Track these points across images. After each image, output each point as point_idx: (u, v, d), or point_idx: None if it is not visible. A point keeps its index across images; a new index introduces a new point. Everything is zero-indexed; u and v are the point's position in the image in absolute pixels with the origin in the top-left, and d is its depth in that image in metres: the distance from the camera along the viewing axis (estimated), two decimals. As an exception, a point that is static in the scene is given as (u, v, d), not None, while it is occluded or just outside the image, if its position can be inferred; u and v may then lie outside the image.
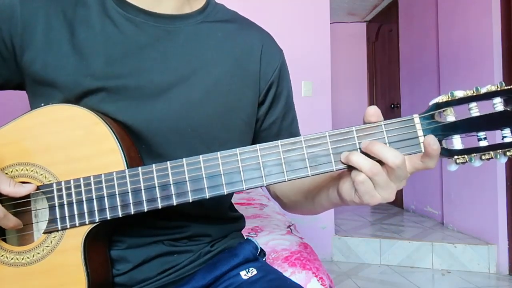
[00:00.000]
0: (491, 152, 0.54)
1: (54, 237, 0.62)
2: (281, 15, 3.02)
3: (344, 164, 0.57)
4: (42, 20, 0.65)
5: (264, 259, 0.84)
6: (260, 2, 2.98)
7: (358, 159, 0.55)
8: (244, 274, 0.74)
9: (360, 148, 0.57)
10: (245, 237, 0.86)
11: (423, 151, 0.56)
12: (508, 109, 0.53)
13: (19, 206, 0.63)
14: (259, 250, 0.81)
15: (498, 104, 0.53)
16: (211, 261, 0.76)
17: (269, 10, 2.99)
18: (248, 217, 1.58)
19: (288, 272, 1.00)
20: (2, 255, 0.62)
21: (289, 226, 1.47)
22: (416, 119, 0.56)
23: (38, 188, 0.62)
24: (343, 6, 4.76)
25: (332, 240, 3.16)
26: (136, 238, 0.69)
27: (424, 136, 0.56)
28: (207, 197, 0.59)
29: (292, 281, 0.76)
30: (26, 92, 0.71)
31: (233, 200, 0.88)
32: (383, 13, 4.80)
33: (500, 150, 0.54)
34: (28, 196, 0.62)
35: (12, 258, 0.62)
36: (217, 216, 0.78)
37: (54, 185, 0.62)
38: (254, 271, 0.74)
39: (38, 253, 0.62)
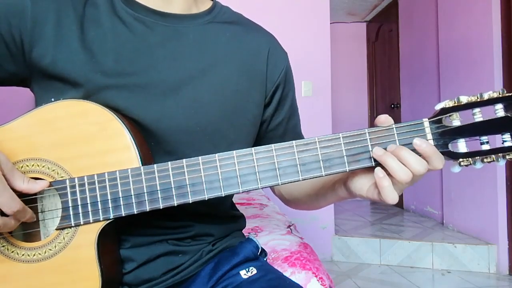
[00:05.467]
0: (493, 155, 0.56)
1: (67, 233, 0.61)
2: (281, 15, 3.02)
3: (376, 161, 0.59)
4: (52, 17, 0.66)
5: (265, 259, 0.84)
6: (260, 2, 2.98)
7: (393, 164, 0.57)
8: (244, 274, 0.74)
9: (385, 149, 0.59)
10: (246, 237, 0.86)
11: None
12: (509, 115, 0.55)
13: (26, 202, 0.61)
14: (260, 250, 0.81)
15: (499, 110, 0.56)
16: (212, 260, 0.76)
17: (269, 10, 2.99)
18: (248, 217, 1.57)
19: (288, 272, 1.00)
20: (13, 251, 0.61)
21: (289, 226, 1.47)
22: (426, 123, 0.58)
23: (50, 184, 0.61)
24: (343, 6, 4.77)
25: (332, 240, 3.17)
26: (140, 237, 0.69)
27: (433, 139, 0.58)
28: (223, 195, 0.60)
29: (291, 280, 0.76)
30: (30, 89, 0.71)
31: (233, 200, 0.88)
32: (383, 13, 4.80)
33: (501, 154, 0.56)
34: (36, 193, 0.61)
35: (23, 255, 0.61)
36: (220, 215, 0.78)
37: (67, 181, 0.61)
38: (254, 271, 0.74)
39: (50, 250, 0.61)
